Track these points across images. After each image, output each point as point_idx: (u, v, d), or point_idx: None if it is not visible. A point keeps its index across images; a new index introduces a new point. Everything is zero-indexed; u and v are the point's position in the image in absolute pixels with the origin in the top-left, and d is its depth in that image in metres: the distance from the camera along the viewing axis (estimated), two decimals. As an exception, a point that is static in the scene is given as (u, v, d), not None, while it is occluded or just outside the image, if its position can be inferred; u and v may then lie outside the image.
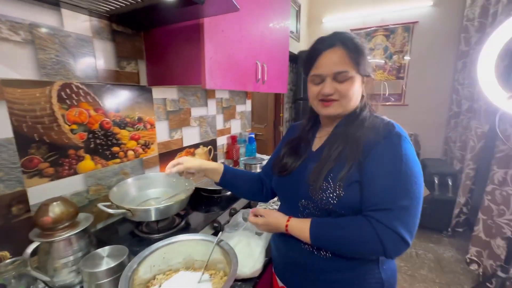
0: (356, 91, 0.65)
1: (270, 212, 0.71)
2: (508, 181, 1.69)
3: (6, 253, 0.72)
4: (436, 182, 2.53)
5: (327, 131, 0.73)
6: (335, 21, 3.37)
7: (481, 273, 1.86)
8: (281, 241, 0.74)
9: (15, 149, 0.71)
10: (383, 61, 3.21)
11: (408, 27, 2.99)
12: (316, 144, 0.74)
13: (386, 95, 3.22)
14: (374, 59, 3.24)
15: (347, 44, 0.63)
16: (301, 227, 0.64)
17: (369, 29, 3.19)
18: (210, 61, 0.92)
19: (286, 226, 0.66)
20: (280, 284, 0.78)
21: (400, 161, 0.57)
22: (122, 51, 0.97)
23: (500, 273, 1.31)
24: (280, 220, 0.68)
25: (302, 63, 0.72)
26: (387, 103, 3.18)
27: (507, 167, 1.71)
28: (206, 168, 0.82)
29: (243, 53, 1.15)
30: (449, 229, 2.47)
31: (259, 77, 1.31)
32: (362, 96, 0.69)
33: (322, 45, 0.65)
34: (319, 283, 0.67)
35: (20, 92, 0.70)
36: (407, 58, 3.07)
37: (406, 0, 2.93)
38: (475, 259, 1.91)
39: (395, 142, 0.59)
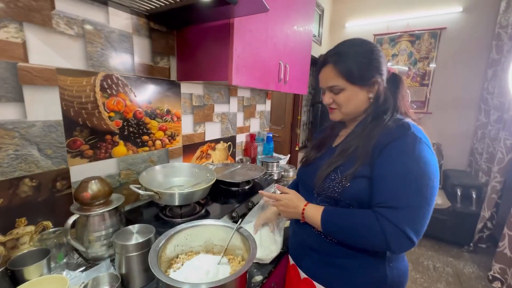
0: (353, 100, 0.70)
1: (290, 196, 0.77)
2: (538, 196, 1.60)
3: (49, 223, 0.80)
4: (459, 194, 2.42)
5: (348, 130, 0.78)
6: (358, 26, 3.35)
7: (504, 292, 1.76)
8: (297, 224, 0.79)
9: (63, 131, 0.79)
10: (407, 68, 3.13)
11: (435, 33, 2.91)
12: (337, 141, 0.80)
13: (409, 102, 3.13)
14: (397, 66, 3.18)
15: (337, 61, 0.69)
16: (314, 214, 0.69)
17: (393, 34, 3.14)
18: (237, 59, 0.97)
19: (303, 211, 0.71)
20: (292, 262, 0.84)
21: (412, 161, 0.58)
22: (156, 47, 1.04)
23: (525, 291, 1.24)
24: (299, 204, 0.73)
25: None
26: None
27: (538, 181, 1.62)
28: None
29: (267, 53, 1.19)
30: (471, 244, 2.36)
31: (281, 77, 1.35)
32: (371, 100, 0.71)
33: (320, 62, 0.74)
34: (325, 266, 0.72)
35: (70, 80, 0.79)
36: (432, 65, 2.98)
37: (434, 5, 2.86)
38: (499, 276, 1.81)
39: (409, 142, 0.60)
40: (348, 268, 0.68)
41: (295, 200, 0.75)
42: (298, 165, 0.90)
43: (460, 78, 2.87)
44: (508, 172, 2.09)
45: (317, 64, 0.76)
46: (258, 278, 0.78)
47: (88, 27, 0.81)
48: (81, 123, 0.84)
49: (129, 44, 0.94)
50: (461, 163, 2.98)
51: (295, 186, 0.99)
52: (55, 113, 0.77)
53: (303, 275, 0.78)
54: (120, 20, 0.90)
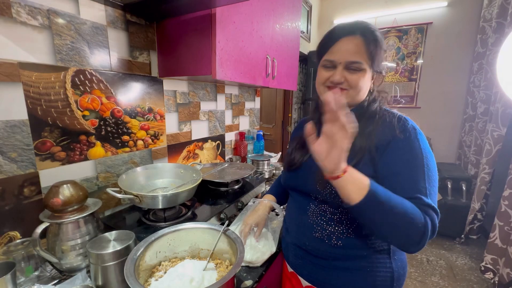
0: (365, 84, 0.64)
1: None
2: (527, 186, 1.61)
3: (16, 233, 0.73)
4: (449, 187, 2.45)
5: None
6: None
7: (496, 282, 1.77)
8: (294, 229, 0.74)
9: (29, 131, 0.72)
10: (395, 64, 3.15)
11: (422, 28, 2.94)
12: None
13: (398, 97, 3.16)
14: (385, 62, 3.20)
15: (367, 35, 0.61)
16: (359, 176, 0.51)
17: (381, 30, 3.14)
18: (220, 52, 0.92)
19: (346, 168, 0.50)
20: (290, 270, 0.78)
21: (421, 154, 0.58)
22: (135, 41, 0.98)
23: (518, 281, 1.24)
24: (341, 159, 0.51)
25: (317, 47, 0.69)
26: (398, 105, 3.12)
27: (526, 171, 1.63)
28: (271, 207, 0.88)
29: (254, 47, 1.14)
30: (462, 236, 2.38)
31: (269, 71, 1.31)
32: (371, 90, 0.69)
33: (341, 30, 0.63)
34: (330, 270, 0.67)
35: (36, 75, 0.72)
36: (420, 61, 3.00)
37: (420, 0, 2.88)
38: (491, 267, 1.83)
39: (412, 136, 0.59)
40: (355, 270, 0.64)
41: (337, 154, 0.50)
42: (285, 170, 0.84)
43: (447, 72, 2.90)
44: (496, 163, 2.11)
45: (331, 34, 0.64)
46: (248, 282, 0.73)
47: (54, 17, 0.74)
48: (50, 122, 0.77)
49: (103, 37, 0.88)
50: (450, 156, 3.02)
51: (278, 188, 0.96)
52: (19, 112, 0.70)
53: (305, 283, 0.73)
54: (92, 11, 0.84)
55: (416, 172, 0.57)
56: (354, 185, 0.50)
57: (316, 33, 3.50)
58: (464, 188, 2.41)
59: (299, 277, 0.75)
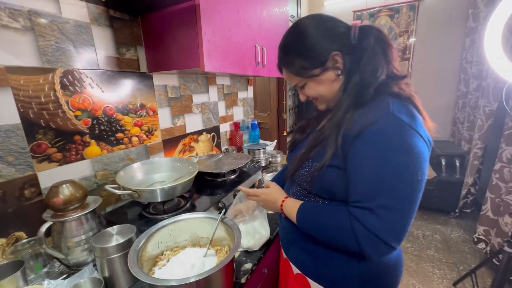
0: (321, 87, 0.62)
1: (269, 190, 0.74)
2: (517, 159, 1.66)
3: (22, 234, 0.75)
4: (444, 163, 2.50)
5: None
6: (337, 4, 3.27)
7: (488, 251, 1.85)
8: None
9: (23, 135, 0.73)
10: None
11: (414, 5, 2.89)
12: (322, 124, 0.74)
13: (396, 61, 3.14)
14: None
15: (283, 62, 0.66)
16: (291, 210, 0.66)
17: (372, 10, 3.09)
18: (208, 43, 0.92)
19: (281, 206, 0.69)
20: (284, 256, 0.80)
21: (391, 152, 0.49)
22: (120, 37, 0.97)
23: (506, 248, 1.30)
24: (278, 198, 0.71)
25: None
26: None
27: (516, 144, 1.67)
28: None
29: (241, 36, 1.14)
30: (457, 210, 2.46)
31: (259, 60, 1.31)
32: (347, 73, 0.60)
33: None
34: (306, 253, 0.67)
35: (24, 78, 0.72)
36: (412, 39, 2.97)
37: (411, -24, 2.81)
38: (483, 238, 1.90)
39: (387, 127, 0.50)
40: (321, 256, 0.64)
41: (273, 194, 0.72)
42: (287, 151, 0.87)
43: (440, 50, 2.88)
44: (488, 138, 2.15)
45: None
46: (248, 265, 0.77)
47: (36, 18, 0.74)
48: (43, 125, 0.78)
49: (88, 35, 0.87)
50: (445, 134, 3.06)
51: (282, 175, 0.96)
52: (11, 116, 0.71)
53: (296, 270, 0.72)
54: (73, 9, 0.83)
55: (372, 174, 0.50)
56: (291, 212, 0.66)
57: (307, 17, 3.43)
58: (458, 164, 2.46)
59: (291, 264, 0.74)
